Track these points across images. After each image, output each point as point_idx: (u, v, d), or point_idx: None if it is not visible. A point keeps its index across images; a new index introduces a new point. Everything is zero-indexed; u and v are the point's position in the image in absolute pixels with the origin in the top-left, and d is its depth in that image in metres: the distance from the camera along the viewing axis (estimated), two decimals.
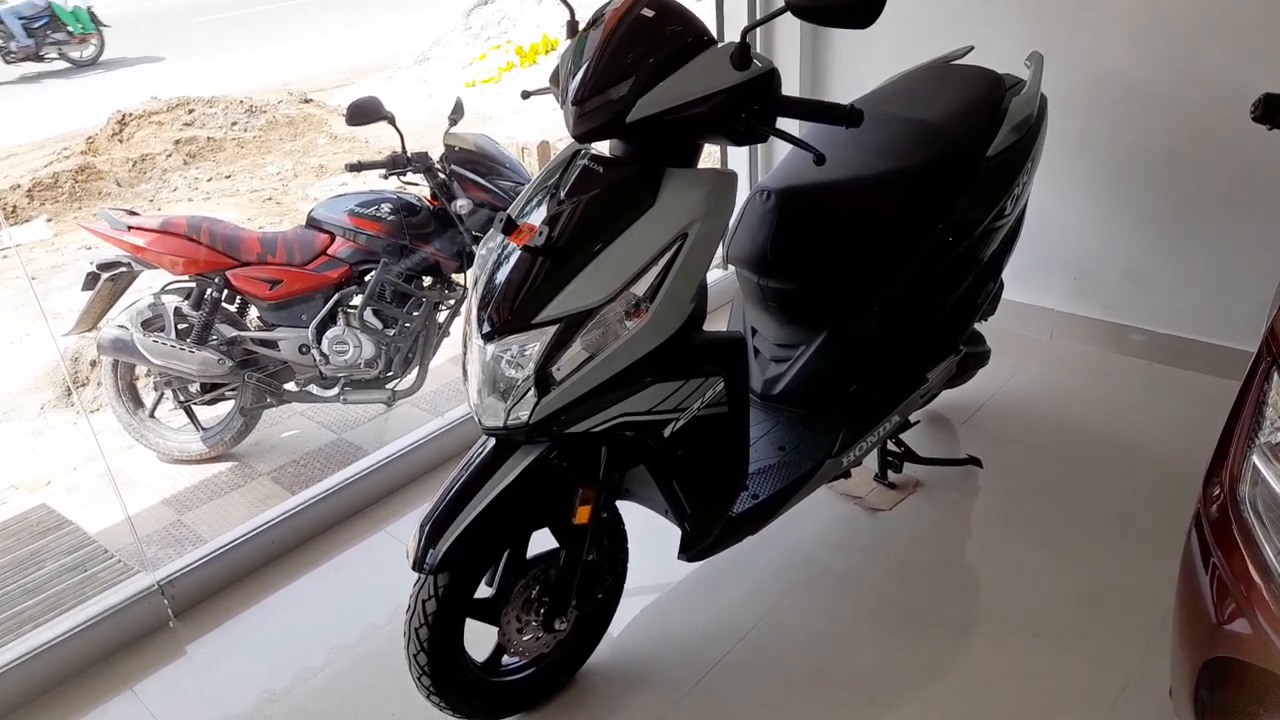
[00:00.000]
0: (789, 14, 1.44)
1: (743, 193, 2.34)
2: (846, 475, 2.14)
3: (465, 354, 1.66)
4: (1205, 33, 2.50)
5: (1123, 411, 2.69)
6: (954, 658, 1.93)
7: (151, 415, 3.31)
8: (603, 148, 1.65)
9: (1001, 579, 2.12)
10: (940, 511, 2.34)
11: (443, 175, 3.14)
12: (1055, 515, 2.29)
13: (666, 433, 1.64)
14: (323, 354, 3.12)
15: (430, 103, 7.46)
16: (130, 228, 3.08)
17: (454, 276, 3.26)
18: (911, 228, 2.03)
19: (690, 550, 1.81)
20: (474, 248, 3.09)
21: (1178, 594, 1.36)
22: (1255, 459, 1.13)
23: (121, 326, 3.11)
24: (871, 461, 2.40)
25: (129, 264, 3.10)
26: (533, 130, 5.56)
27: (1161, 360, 2.87)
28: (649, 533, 1.99)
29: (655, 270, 1.54)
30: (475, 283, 1.64)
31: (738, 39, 1.50)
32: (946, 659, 1.92)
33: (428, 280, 3.23)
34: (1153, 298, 2.85)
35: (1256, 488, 1.12)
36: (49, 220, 5.79)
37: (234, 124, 6.87)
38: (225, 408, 3.28)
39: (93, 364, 3.93)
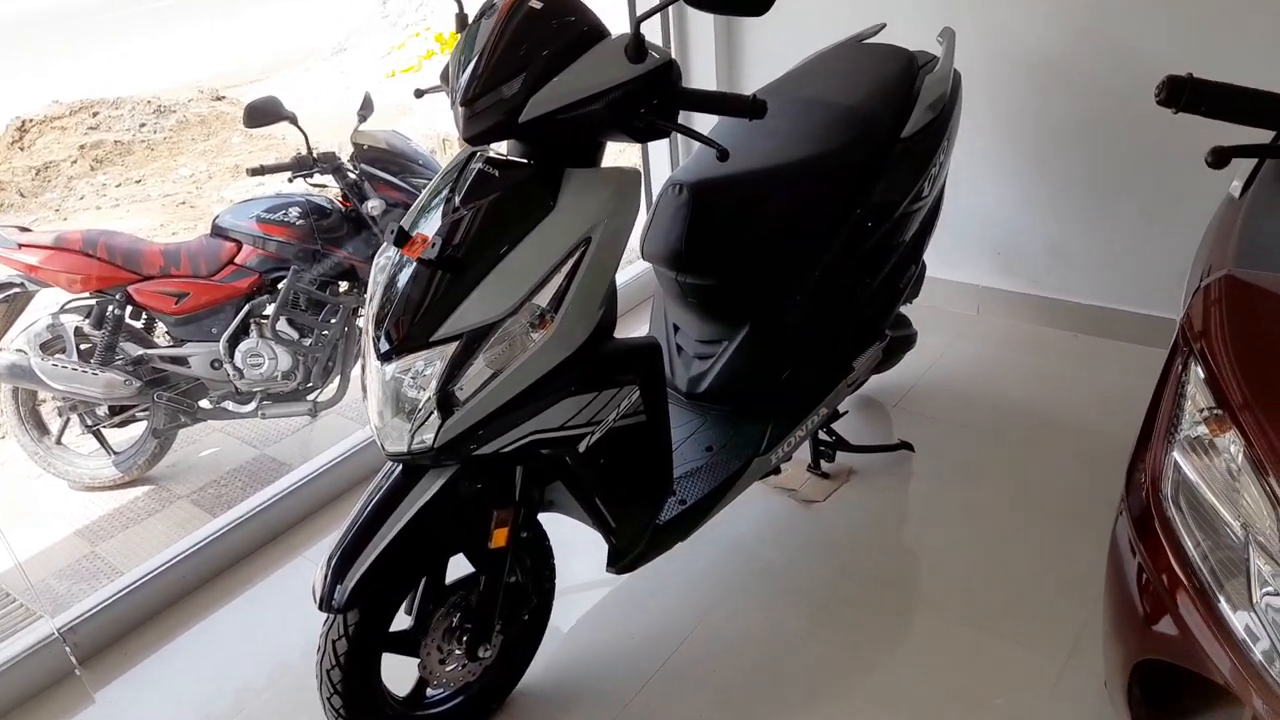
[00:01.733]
0: None
1: (656, 186, 2.26)
2: (777, 471, 2.09)
3: (364, 372, 1.57)
4: (1116, 6, 2.49)
5: (1052, 384, 2.69)
6: (892, 647, 1.90)
7: (58, 442, 3.14)
8: (501, 148, 1.56)
9: (937, 565, 2.10)
10: (875, 500, 2.31)
11: (353, 175, 3.02)
12: (988, 497, 2.28)
13: (582, 447, 1.57)
14: (236, 368, 2.99)
15: (349, 96, 7.24)
16: (21, 245, 2.90)
17: None
18: (829, 214, 1.98)
19: (618, 563, 1.75)
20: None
21: (1106, 586, 1.33)
22: (1176, 454, 1.10)
23: (19, 351, 2.93)
24: (804, 452, 2.36)
25: (22, 284, 2.92)
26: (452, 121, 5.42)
27: (1088, 331, 2.88)
28: (577, 538, 1.92)
29: (559, 278, 1.46)
30: (371, 297, 1.55)
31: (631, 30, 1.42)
32: (884, 649, 1.89)
33: (343, 285, 3.10)
34: (1076, 270, 2.86)
35: (1178, 482, 1.09)
36: None
37: (142, 125, 6.59)
38: (137, 430, 3.13)
39: None
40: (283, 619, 2.17)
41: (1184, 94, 1.23)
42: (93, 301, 2.94)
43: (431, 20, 8.33)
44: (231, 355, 2.97)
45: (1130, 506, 1.19)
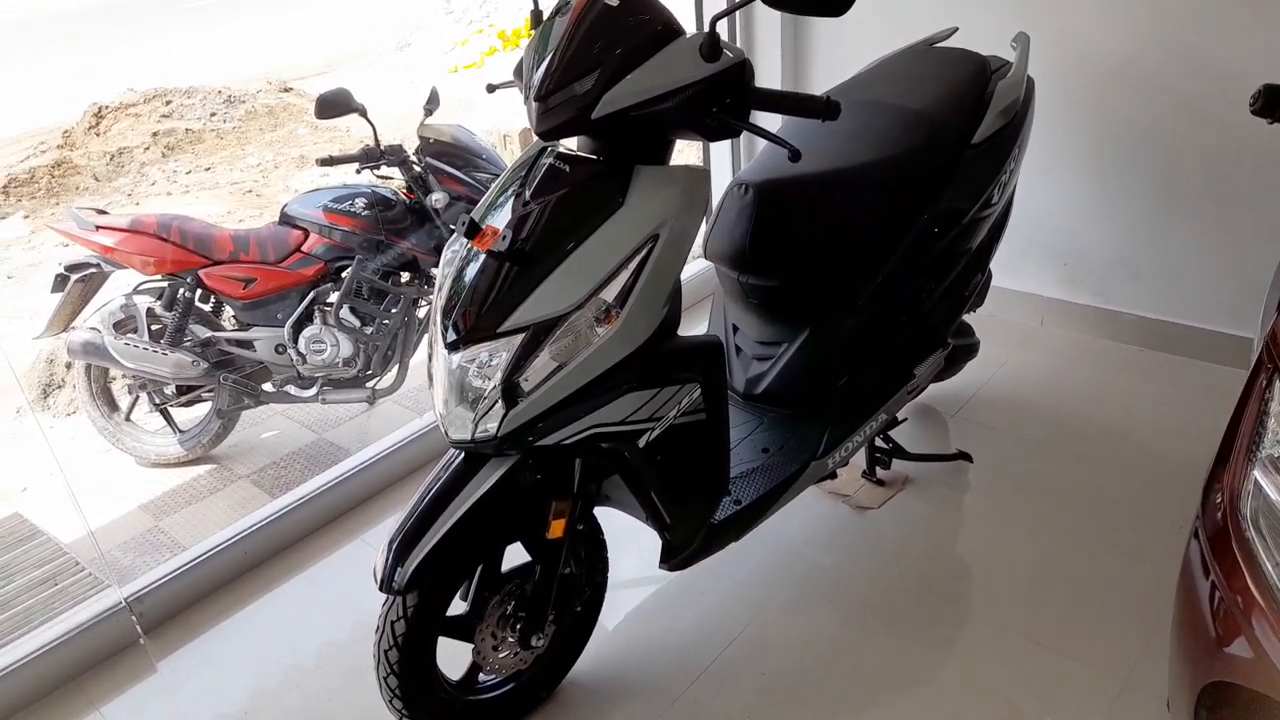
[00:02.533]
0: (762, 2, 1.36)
1: (721, 185, 2.26)
2: (833, 476, 2.08)
3: (431, 361, 1.59)
4: (1195, 10, 2.43)
5: (1116, 400, 2.63)
6: (945, 659, 1.87)
7: (127, 419, 3.24)
8: (571, 144, 1.58)
9: (993, 578, 2.07)
10: (930, 509, 2.28)
11: (418, 168, 3.07)
12: (1048, 510, 2.24)
13: (642, 442, 1.58)
14: (300, 353, 3.05)
15: (412, 90, 7.35)
16: (99, 227, 3.00)
17: (432, 271, 3.18)
18: (895, 219, 1.96)
19: (671, 560, 1.75)
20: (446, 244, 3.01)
21: (1176, 606, 1.30)
22: (1257, 473, 1.07)
23: (93, 329, 3.03)
24: (859, 458, 2.34)
25: (99, 264, 3.02)
26: (515, 117, 5.47)
27: (1154, 346, 2.81)
28: (631, 534, 1.93)
29: (626, 274, 1.47)
30: (439, 287, 1.57)
31: (708, 29, 1.43)
32: (937, 660, 1.87)
33: (405, 276, 3.16)
34: (1144, 283, 2.79)
35: (1258, 502, 1.06)
36: (26, 217, 5.69)
37: (213, 115, 6.76)
38: (202, 410, 3.21)
39: (68, 366, 3.85)
40: (338, 600, 2.22)
41: None
42: (164, 284, 3.03)
43: (495, 17, 8.41)
44: (295, 340, 3.04)
45: (1206, 525, 1.17)
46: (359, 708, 1.90)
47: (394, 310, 3.11)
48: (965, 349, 2.44)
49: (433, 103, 3.18)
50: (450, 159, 3.09)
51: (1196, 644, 1.18)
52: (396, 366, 3.20)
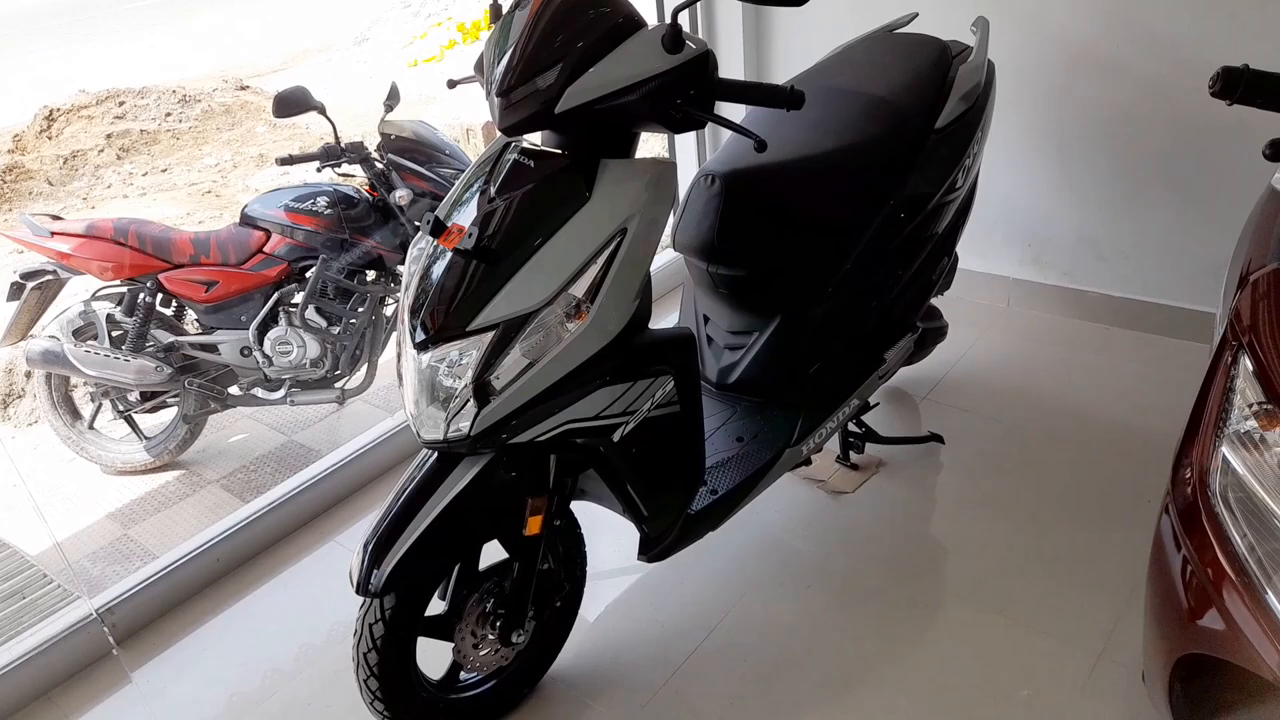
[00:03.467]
0: None
1: (687, 177, 2.26)
2: (808, 462, 2.09)
3: (400, 360, 1.58)
4: None
5: (1084, 377, 2.67)
6: (922, 639, 1.89)
7: (91, 427, 3.18)
8: (535, 139, 1.57)
9: (967, 557, 2.09)
10: (904, 491, 2.31)
11: (380, 165, 3.03)
12: (1019, 489, 2.27)
13: (617, 436, 1.58)
14: (266, 355, 3.01)
15: (372, 85, 7.25)
16: (54, 233, 2.93)
17: (398, 269, 3.15)
18: (861, 206, 1.97)
19: (650, 552, 1.75)
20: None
21: (1149, 580, 1.32)
22: (1224, 449, 1.09)
23: (52, 337, 2.97)
24: (833, 443, 2.36)
25: (55, 271, 2.96)
26: (477, 111, 5.42)
27: (1120, 324, 2.86)
28: (609, 526, 1.93)
29: (595, 269, 1.46)
30: (406, 286, 1.56)
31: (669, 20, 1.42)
32: (914, 641, 1.89)
33: (371, 274, 3.12)
34: (1108, 262, 2.83)
35: (1227, 478, 1.08)
36: None
37: (168, 115, 6.63)
38: (168, 415, 3.16)
39: (28, 375, 3.77)
40: (314, 603, 2.20)
41: (1240, 86, 1.22)
42: (124, 289, 2.97)
43: (453, 10, 8.33)
44: (261, 343, 3.00)
45: (1176, 501, 1.18)
46: (339, 711, 1.89)
47: (360, 309, 3.08)
48: (934, 332, 2.47)
49: (393, 98, 3.14)
50: (413, 155, 3.06)
51: (1170, 617, 1.20)
52: (365, 366, 3.17)
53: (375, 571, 1.49)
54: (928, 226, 2.08)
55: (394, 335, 3.25)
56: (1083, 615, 1.90)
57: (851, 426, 2.35)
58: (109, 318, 2.97)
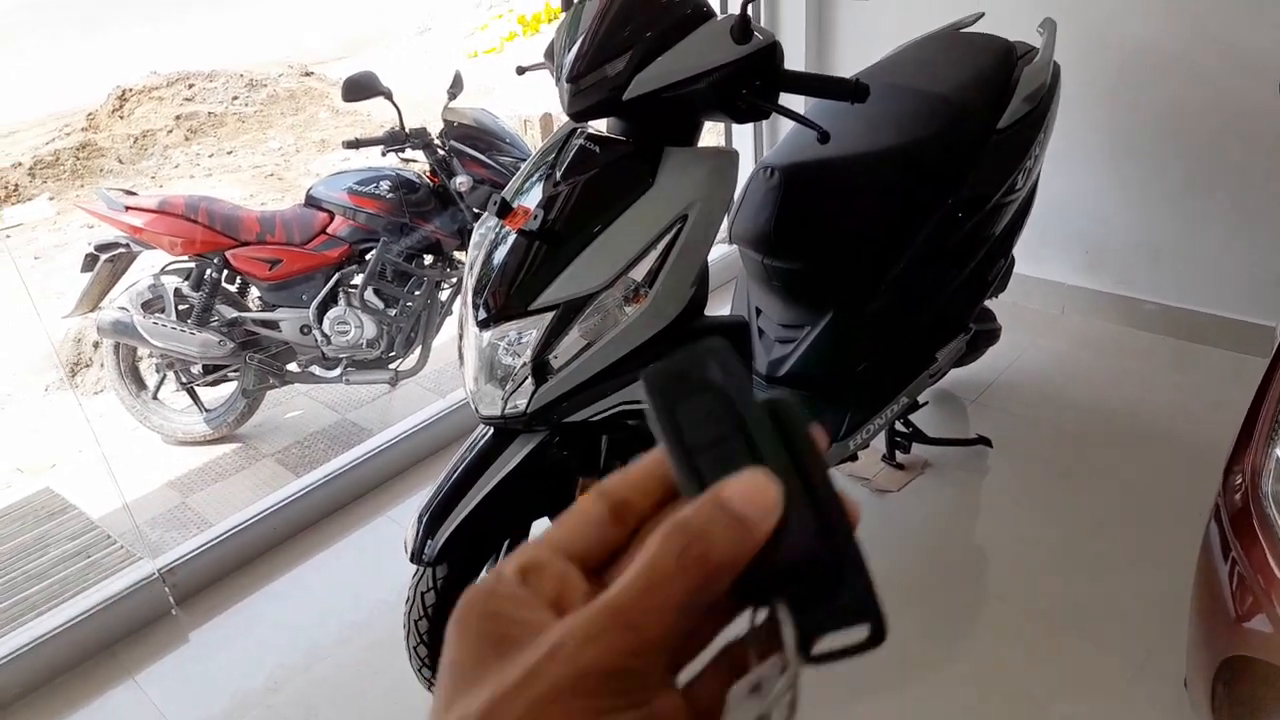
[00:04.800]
0: None
1: (747, 169, 2.28)
2: (853, 459, 2.10)
3: (461, 339, 1.62)
4: None
5: (1136, 388, 2.64)
6: (962, 641, 1.90)
7: (154, 397, 3.29)
8: (600, 126, 1.60)
9: (1011, 561, 2.09)
10: (949, 493, 2.30)
11: (442, 151, 3.09)
12: (1067, 496, 2.25)
13: None
14: (324, 334, 3.09)
15: (432, 74, 7.37)
16: (128, 208, 3.04)
17: (455, 254, 3.21)
18: (919, 204, 1.97)
19: None
20: (475, 224, 3.04)
21: (1195, 584, 1.32)
22: (1278, 453, 1.09)
23: (122, 308, 3.08)
24: (879, 442, 2.36)
25: (127, 245, 3.06)
26: (535, 102, 5.49)
27: (1176, 335, 2.82)
28: None
29: (655, 254, 1.49)
30: (470, 267, 1.60)
31: (738, 11, 1.44)
32: (954, 642, 1.89)
33: (429, 258, 3.18)
34: (1167, 271, 2.79)
35: (1279, 482, 1.08)
36: (51, 199, 5.75)
37: (235, 98, 6.79)
38: (228, 389, 3.26)
39: (96, 345, 3.90)
40: (364, 575, 2.26)
41: None
42: (192, 264, 3.07)
43: (515, 2, 8.41)
44: (320, 322, 3.07)
45: (1226, 505, 1.18)
46: (387, 679, 1.94)
47: (417, 293, 3.14)
48: (987, 334, 2.46)
49: (457, 86, 3.20)
50: (474, 142, 3.11)
51: (1215, 621, 1.19)
52: (419, 348, 3.23)
53: (430, 541, 1.53)
54: (985, 227, 2.07)
55: (448, 319, 3.31)
56: (1126, 622, 1.89)
57: (899, 425, 2.35)
58: (176, 292, 3.07)
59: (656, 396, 0.34)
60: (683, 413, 0.33)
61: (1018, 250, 2.33)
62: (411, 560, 1.55)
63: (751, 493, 0.30)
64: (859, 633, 0.32)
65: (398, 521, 2.42)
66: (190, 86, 6.84)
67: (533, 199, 1.55)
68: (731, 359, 0.34)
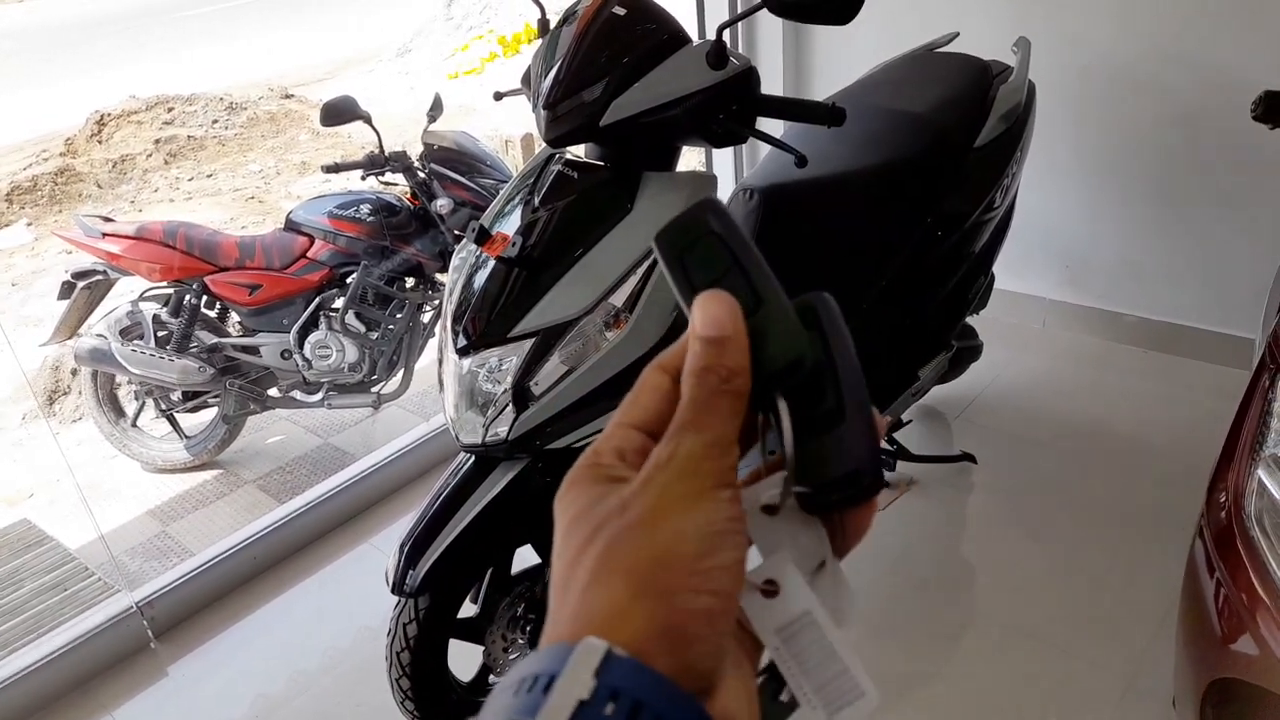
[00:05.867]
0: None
1: (726, 191, 2.28)
2: None
3: (441, 365, 1.61)
4: (1194, 15, 2.45)
5: (1119, 401, 2.65)
6: (949, 660, 1.89)
7: (134, 424, 3.25)
8: (579, 151, 1.60)
9: (998, 579, 2.08)
10: (934, 511, 2.30)
11: (422, 174, 3.08)
12: (1052, 512, 2.25)
13: None
14: (305, 359, 3.07)
15: (413, 96, 7.37)
16: (105, 234, 3.01)
17: (437, 277, 3.20)
18: (898, 223, 1.98)
19: None
20: (456, 247, 3.03)
21: (1182, 604, 1.32)
22: (1261, 472, 1.09)
23: (100, 335, 3.05)
24: None
25: (105, 271, 3.03)
26: (517, 123, 5.49)
27: (1157, 348, 2.83)
28: None
29: (634, 279, 1.48)
30: (449, 293, 1.59)
31: (714, 37, 1.44)
32: (942, 662, 1.89)
33: (410, 281, 3.17)
34: (1147, 285, 2.81)
35: (1262, 501, 1.08)
36: (29, 224, 5.71)
37: (214, 122, 6.77)
38: (208, 415, 3.23)
39: (74, 372, 3.86)
40: (347, 603, 2.23)
41: None
42: (171, 290, 3.05)
43: (495, 23, 8.44)
44: (301, 346, 3.05)
45: (1210, 524, 1.18)
46: (369, 709, 1.91)
47: (399, 315, 3.13)
48: (968, 350, 2.46)
49: (436, 109, 3.20)
50: (454, 165, 3.11)
51: (1202, 642, 1.19)
52: (402, 371, 3.21)
53: (411, 572, 1.52)
54: (965, 245, 2.08)
55: (430, 341, 3.30)
56: (1114, 639, 1.89)
57: (883, 443, 2.34)
58: (155, 318, 3.04)
59: (665, 249, 0.40)
60: (689, 259, 0.40)
61: (998, 265, 2.34)
62: (393, 591, 1.53)
63: (711, 315, 0.38)
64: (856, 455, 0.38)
65: (380, 548, 2.39)
66: (169, 110, 6.81)
67: (511, 225, 1.54)
68: (723, 210, 0.40)
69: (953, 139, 2.01)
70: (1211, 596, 1.18)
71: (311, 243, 3.06)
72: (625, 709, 0.31)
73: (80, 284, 3.02)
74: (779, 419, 0.38)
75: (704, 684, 0.35)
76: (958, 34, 2.37)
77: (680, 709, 0.32)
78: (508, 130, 5.39)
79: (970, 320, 2.43)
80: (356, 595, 2.25)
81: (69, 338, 3.13)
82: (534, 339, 1.47)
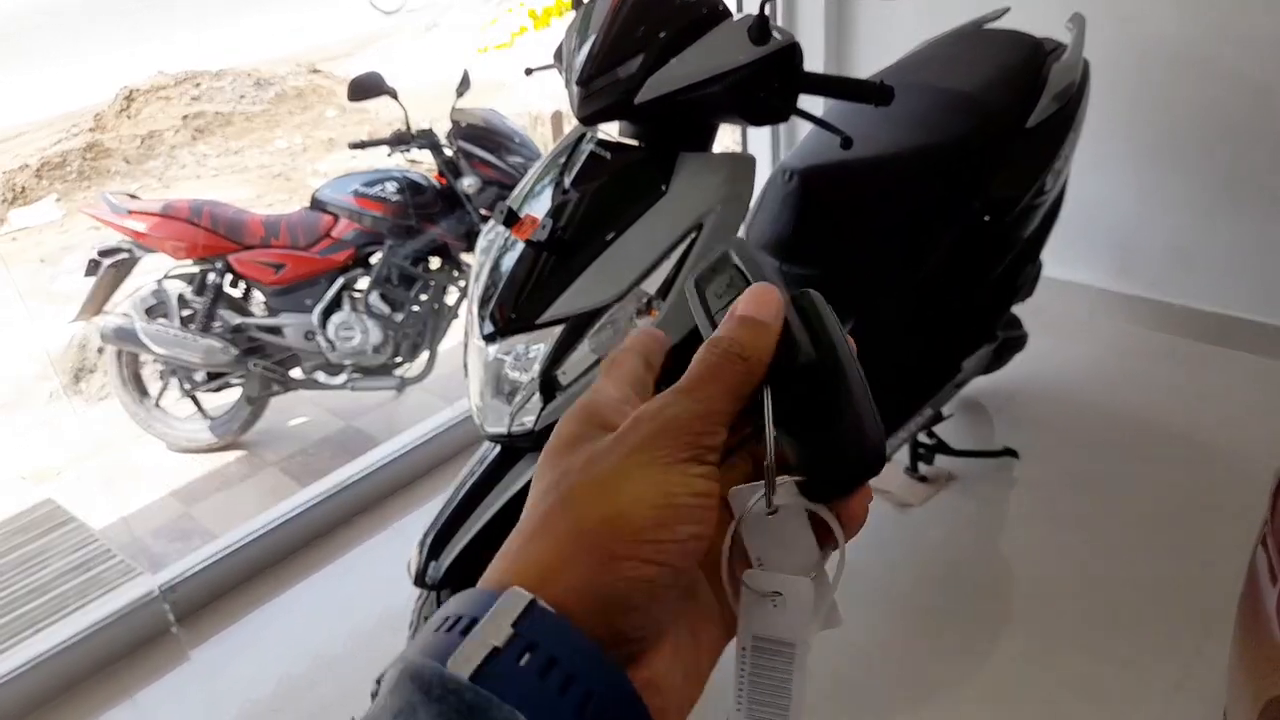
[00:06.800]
0: None
1: (764, 172, 2.20)
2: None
3: (466, 351, 1.55)
4: None
5: (1169, 394, 2.55)
6: (987, 661, 1.82)
7: (157, 404, 3.24)
8: (611, 129, 1.53)
9: (1039, 578, 2.01)
10: (974, 507, 2.22)
11: (449, 152, 3.03)
12: (1096, 510, 2.17)
13: None
14: (329, 340, 3.03)
15: (440, 71, 7.30)
16: (131, 212, 2.99)
17: (462, 257, 3.15)
18: (944, 207, 1.89)
19: None
20: (482, 227, 2.98)
21: (1239, 615, 1.24)
22: None
23: (125, 314, 3.03)
24: (902, 454, 2.28)
25: (131, 249, 3.01)
26: (546, 99, 5.41)
27: (1208, 340, 2.72)
28: None
29: (668, 265, 1.42)
30: (475, 277, 1.53)
31: (756, 11, 1.36)
32: (979, 662, 1.82)
33: (435, 262, 3.13)
34: (1199, 274, 2.70)
35: None
36: (58, 200, 5.71)
37: (242, 98, 6.74)
38: (232, 396, 3.21)
39: (100, 350, 3.85)
40: (371, 589, 2.20)
41: None
42: (196, 269, 3.02)
43: None
44: (325, 327, 3.01)
45: (1275, 531, 1.10)
46: None
47: (424, 297, 3.08)
48: (1013, 341, 2.37)
49: (465, 85, 3.13)
50: (482, 142, 3.05)
51: (1262, 655, 1.12)
52: (426, 353, 3.17)
53: (434, 564, 1.47)
54: (1013, 230, 1.99)
55: (455, 323, 3.25)
56: (1159, 646, 1.81)
57: (922, 437, 2.27)
58: (180, 297, 3.02)
59: (692, 286, 0.43)
60: (709, 290, 0.42)
61: (1045, 252, 2.25)
62: (415, 584, 1.49)
63: (759, 300, 0.38)
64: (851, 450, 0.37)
65: (405, 534, 2.36)
66: (197, 86, 6.79)
67: (541, 206, 1.48)
68: (747, 248, 0.42)
69: (1002, 120, 1.92)
70: (1274, 608, 1.11)
71: (336, 222, 3.02)
72: (539, 663, 0.30)
73: (106, 262, 2.99)
74: (772, 416, 0.38)
75: (632, 650, 0.34)
76: (1008, 9, 2.26)
77: (597, 672, 0.31)
78: (537, 106, 5.32)
79: (1015, 309, 2.34)
80: (380, 581, 2.21)
81: (95, 315, 3.11)
82: (563, 326, 1.41)
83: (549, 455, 0.38)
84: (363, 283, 3.03)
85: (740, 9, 3.05)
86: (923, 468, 2.28)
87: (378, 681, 0.33)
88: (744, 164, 1.49)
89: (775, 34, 1.39)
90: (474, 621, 0.31)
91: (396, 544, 2.33)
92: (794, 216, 1.84)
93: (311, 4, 8.66)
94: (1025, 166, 1.95)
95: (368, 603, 2.15)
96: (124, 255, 3.00)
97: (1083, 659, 1.80)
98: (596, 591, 0.33)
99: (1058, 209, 2.14)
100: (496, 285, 1.47)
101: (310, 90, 6.95)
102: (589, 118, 1.45)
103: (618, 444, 0.35)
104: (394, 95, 2.89)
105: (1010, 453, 2.32)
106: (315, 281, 3.01)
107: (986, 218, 1.93)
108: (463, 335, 1.59)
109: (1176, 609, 1.88)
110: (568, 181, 1.47)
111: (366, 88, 2.85)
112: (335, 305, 3.01)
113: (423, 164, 3.13)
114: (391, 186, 3.02)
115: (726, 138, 4.03)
